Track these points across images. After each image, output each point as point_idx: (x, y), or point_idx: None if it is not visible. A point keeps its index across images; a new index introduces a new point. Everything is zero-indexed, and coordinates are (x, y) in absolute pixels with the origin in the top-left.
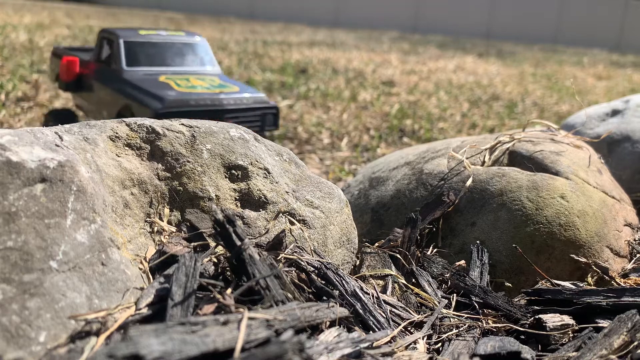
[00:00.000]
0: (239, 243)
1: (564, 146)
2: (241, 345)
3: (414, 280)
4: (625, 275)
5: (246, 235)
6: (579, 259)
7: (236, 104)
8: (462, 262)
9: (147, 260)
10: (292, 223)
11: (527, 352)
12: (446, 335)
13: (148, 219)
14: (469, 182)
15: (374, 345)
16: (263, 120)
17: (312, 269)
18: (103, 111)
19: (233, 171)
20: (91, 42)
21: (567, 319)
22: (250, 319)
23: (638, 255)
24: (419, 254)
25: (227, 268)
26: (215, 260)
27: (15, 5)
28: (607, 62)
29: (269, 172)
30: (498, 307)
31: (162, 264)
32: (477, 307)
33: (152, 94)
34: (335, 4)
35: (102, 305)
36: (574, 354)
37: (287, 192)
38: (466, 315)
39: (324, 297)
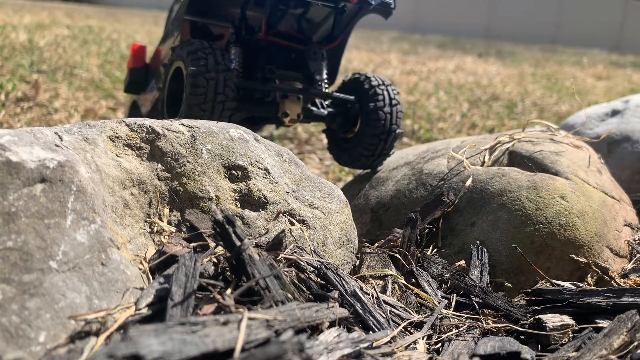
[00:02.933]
0: (238, 243)
1: (563, 146)
2: (241, 345)
3: (413, 280)
4: (625, 276)
5: (246, 236)
6: (579, 259)
7: None
8: (462, 262)
9: (147, 260)
10: (292, 223)
11: (527, 352)
12: (446, 335)
13: (148, 219)
14: (468, 182)
15: (373, 345)
16: None
17: (312, 269)
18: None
19: (233, 171)
20: (90, 42)
21: (567, 319)
22: (250, 319)
23: (638, 256)
24: (419, 254)
25: (227, 268)
26: (215, 260)
27: (15, 5)
28: (607, 62)
29: (268, 173)
30: (498, 307)
31: (162, 264)
32: (477, 307)
33: None
34: None
35: (102, 306)
36: (574, 354)
37: (287, 192)
38: (466, 316)
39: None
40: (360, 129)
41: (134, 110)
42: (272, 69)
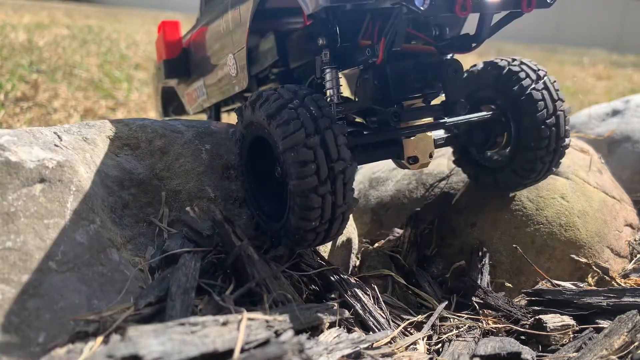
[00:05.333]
0: (238, 243)
1: None
2: (241, 345)
3: (414, 280)
4: (625, 276)
5: (245, 236)
6: (579, 259)
7: None
8: (462, 262)
9: (147, 260)
10: None
11: (527, 352)
12: (446, 335)
13: (147, 219)
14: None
15: (373, 345)
16: None
17: (312, 269)
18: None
19: (232, 171)
20: (90, 42)
21: (568, 320)
22: (249, 319)
23: (638, 256)
24: (419, 254)
25: (227, 268)
26: (214, 260)
27: (15, 5)
28: (607, 62)
29: None
30: (498, 308)
31: (162, 264)
32: (477, 307)
33: None
34: None
35: (101, 306)
36: (575, 354)
37: None
38: (466, 316)
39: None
40: (511, 142)
41: (169, 98)
42: (398, 113)
